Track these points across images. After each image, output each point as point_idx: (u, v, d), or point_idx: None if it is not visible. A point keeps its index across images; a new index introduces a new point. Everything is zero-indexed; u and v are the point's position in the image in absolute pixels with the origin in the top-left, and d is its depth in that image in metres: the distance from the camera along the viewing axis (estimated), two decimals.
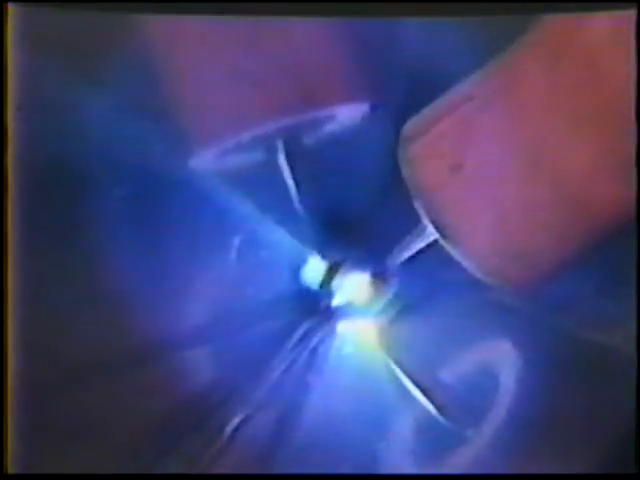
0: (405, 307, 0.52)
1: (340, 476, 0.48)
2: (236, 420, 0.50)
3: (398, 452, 0.50)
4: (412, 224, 0.48)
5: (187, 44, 0.48)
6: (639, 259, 0.45)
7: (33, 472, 0.46)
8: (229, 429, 0.50)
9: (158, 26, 0.47)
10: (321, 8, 0.44)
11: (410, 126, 0.47)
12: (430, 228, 0.46)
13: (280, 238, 0.52)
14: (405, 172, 0.47)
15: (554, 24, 0.42)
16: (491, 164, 0.45)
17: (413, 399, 0.51)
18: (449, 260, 0.47)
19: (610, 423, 0.48)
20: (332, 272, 0.52)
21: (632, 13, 0.41)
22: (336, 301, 0.53)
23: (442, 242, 0.46)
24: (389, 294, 0.52)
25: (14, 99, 0.45)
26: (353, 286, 0.52)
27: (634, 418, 0.44)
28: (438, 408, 0.51)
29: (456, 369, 0.51)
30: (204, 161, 0.50)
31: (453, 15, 0.44)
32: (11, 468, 0.45)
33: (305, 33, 0.48)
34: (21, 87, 0.46)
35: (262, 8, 0.44)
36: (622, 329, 0.47)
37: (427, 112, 0.47)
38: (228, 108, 0.48)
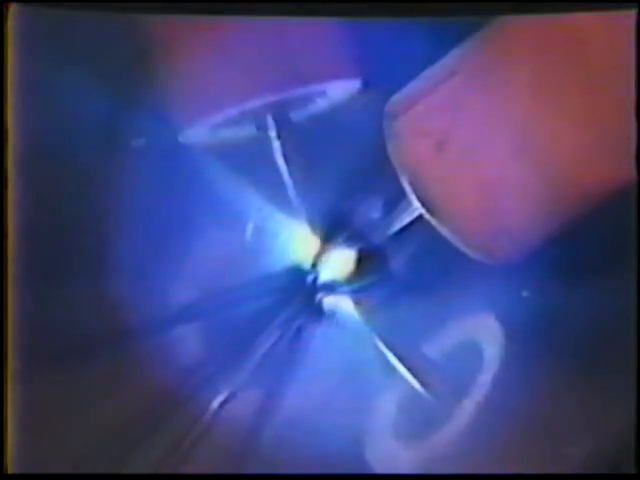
0: (391, 284, 0.52)
1: (338, 476, 0.48)
2: (220, 398, 0.50)
3: (383, 428, 0.51)
4: (399, 201, 0.48)
5: (179, 27, 0.48)
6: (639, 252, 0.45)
7: (33, 472, 0.46)
8: (213, 407, 0.50)
9: (154, 17, 0.48)
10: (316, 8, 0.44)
11: (395, 101, 0.47)
12: (415, 203, 0.46)
13: (270, 215, 0.52)
14: (390, 148, 0.47)
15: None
16: (477, 141, 0.45)
17: (398, 376, 0.51)
18: (434, 237, 0.47)
19: (604, 407, 0.49)
20: (322, 249, 0.52)
21: (632, 13, 0.41)
22: (323, 278, 0.53)
23: (427, 217, 0.46)
24: (375, 271, 0.52)
25: (14, 99, 0.45)
26: (340, 263, 0.52)
27: (633, 410, 0.45)
28: (423, 385, 0.51)
29: (441, 345, 0.52)
30: (195, 136, 0.50)
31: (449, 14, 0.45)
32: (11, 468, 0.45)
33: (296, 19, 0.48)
34: (21, 87, 0.46)
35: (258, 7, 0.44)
36: (611, 306, 0.47)
37: (411, 87, 0.47)
38: (218, 85, 0.48)
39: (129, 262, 0.50)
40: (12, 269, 0.46)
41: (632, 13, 0.41)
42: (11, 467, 0.45)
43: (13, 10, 0.45)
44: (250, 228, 0.52)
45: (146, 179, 0.50)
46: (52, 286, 0.49)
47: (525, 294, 0.51)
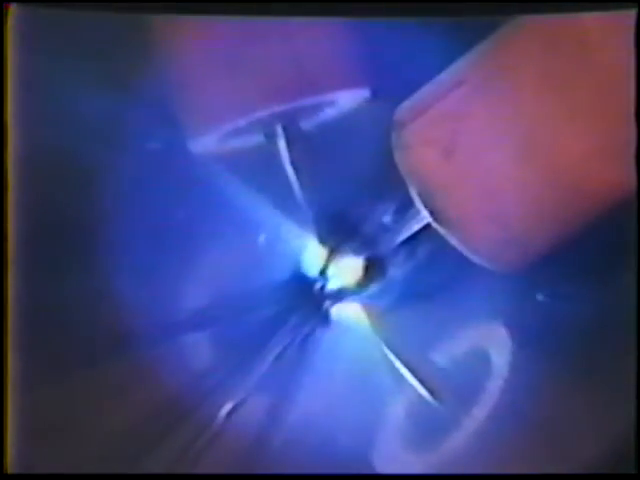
0: (398, 291, 0.52)
1: (339, 476, 0.48)
2: (229, 405, 0.50)
3: (392, 435, 0.51)
4: (407, 208, 0.48)
5: (187, 33, 0.48)
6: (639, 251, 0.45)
7: (33, 472, 0.46)
8: (223, 413, 0.50)
9: (158, 20, 0.48)
10: (321, 8, 0.44)
11: (402, 111, 0.47)
12: (423, 212, 0.47)
13: (279, 223, 0.52)
14: (398, 156, 0.47)
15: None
16: (484, 149, 0.45)
17: (406, 383, 0.51)
18: (442, 244, 0.47)
19: (606, 409, 0.49)
20: (330, 257, 0.52)
21: (632, 13, 0.41)
22: (331, 286, 0.53)
23: (435, 225, 0.46)
24: (383, 278, 0.52)
25: (14, 99, 0.45)
26: (348, 270, 0.52)
27: (633, 411, 0.44)
28: (431, 392, 0.51)
29: (449, 352, 0.52)
30: (204, 145, 0.51)
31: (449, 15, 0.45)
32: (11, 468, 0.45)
33: (305, 20, 0.48)
34: (21, 87, 0.46)
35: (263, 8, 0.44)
36: (618, 313, 0.47)
37: (419, 97, 0.47)
38: (227, 93, 0.48)
39: (140, 266, 0.50)
40: (13, 270, 0.46)
41: (632, 13, 0.41)
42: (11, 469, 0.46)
43: (13, 10, 0.46)
44: (259, 236, 0.53)
45: (150, 181, 0.51)
46: (57, 287, 0.49)
47: (532, 300, 0.51)
